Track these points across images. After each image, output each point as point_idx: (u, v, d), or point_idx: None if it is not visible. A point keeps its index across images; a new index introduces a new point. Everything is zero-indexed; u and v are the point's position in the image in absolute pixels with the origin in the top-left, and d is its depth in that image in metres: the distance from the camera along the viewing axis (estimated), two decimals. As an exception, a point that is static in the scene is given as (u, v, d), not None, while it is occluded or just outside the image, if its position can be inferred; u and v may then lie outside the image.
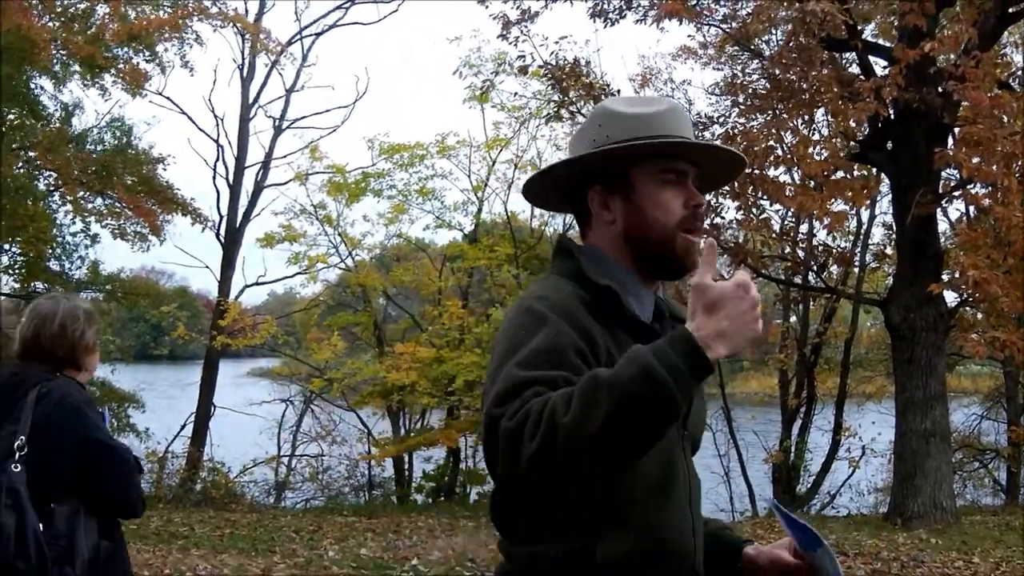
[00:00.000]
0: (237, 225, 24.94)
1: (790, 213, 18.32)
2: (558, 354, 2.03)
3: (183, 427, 23.62)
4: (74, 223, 23.46)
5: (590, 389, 1.88)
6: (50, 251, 23.12)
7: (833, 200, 13.82)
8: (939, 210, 16.17)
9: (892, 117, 14.31)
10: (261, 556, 11.16)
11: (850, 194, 13.76)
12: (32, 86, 21.98)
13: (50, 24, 19.87)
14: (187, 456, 21.95)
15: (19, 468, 3.58)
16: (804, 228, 20.10)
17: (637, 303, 2.28)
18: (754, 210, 15.16)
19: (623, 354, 1.98)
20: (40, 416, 3.69)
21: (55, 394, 3.77)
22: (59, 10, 20.28)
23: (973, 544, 12.39)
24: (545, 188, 2.51)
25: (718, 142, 15.51)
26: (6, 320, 25.52)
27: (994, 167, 12.66)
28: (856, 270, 20.82)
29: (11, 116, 21.80)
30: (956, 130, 14.13)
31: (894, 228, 16.65)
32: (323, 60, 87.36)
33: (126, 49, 21.68)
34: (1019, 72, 18.36)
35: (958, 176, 14.51)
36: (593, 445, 1.88)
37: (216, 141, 25.47)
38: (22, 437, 3.62)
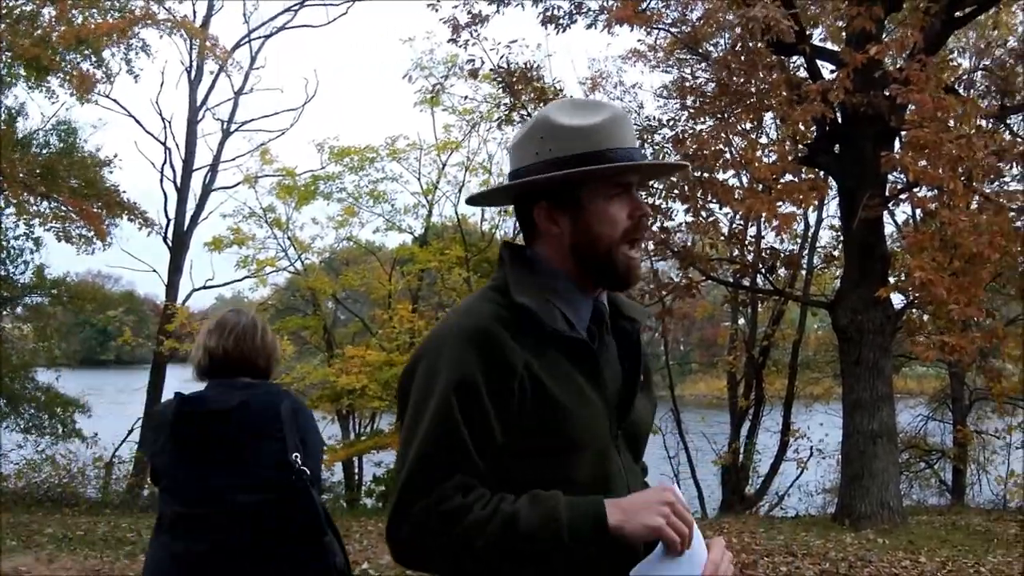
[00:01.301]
0: (185, 228, 24.81)
1: (739, 216, 18.41)
2: (450, 439, 2.18)
3: (130, 432, 23.40)
4: (17, 226, 23.23)
5: (503, 529, 2.11)
6: (-6, 255, 22.88)
7: (781, 203, 13.89)
8: (886, 213, 16.30)
9: (839, 120, 14.42)
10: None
11: (799, 197, 13.83)
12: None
13: (-7, 27, 19.67)
14: (134, 461, 21.78)
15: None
16: (752, 231, 20.24)
17: (572, 313, 2.35)
18: (703, 213, 15.21)
19: (551, 370, 2.24)
20: (302, 428, 3.76)
21: (296, 405, 3.84)
22: (4, 11, 20.06)
23: (920, 544, 12.51)
24: (490, 199, 2.74)
25: (669, 149, 15.62)
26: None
27: (940, 170, 12.77)
28: (804, 273, 20.97)
29: (-46, 120, 21.56)
30: (903, 133, 14.26)
31: (841, 231, 16.78)
32: (272, 62, 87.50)
33: (73, 54, 21.50)
34: (966, 76, 18.57)
35: (905, 179, 14.60)
36: (492, 567, 2.15)
37: (163, 144, 25.36)
38: (296, 454, 3.65)
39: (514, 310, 2.29)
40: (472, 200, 2.68)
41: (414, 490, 2.16)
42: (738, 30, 14.36)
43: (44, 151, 22.81)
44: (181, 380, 34.10)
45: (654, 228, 16.10)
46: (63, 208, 22.20)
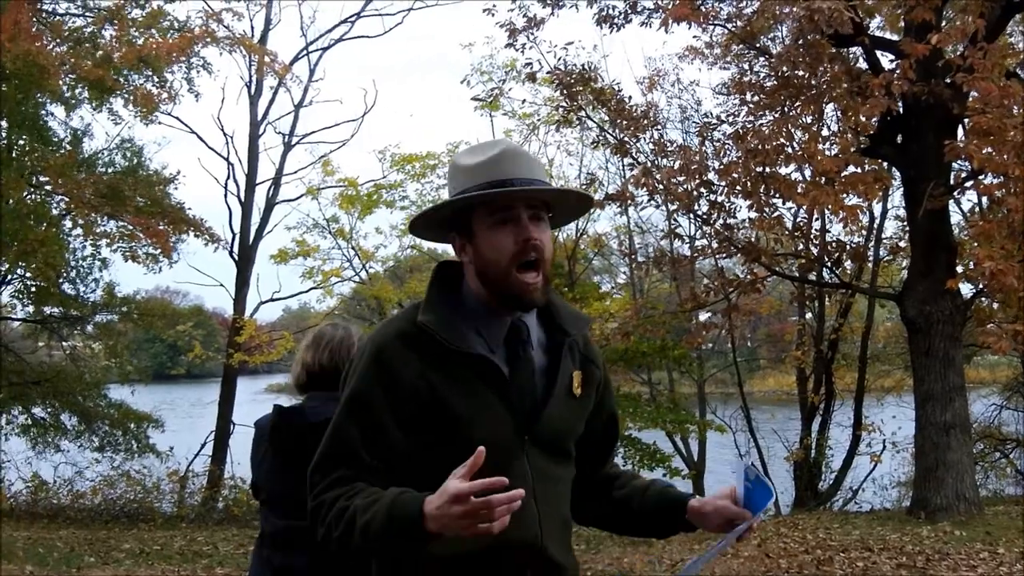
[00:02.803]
0: (250, 242, 25.00)
1: (802, 210, 18.26)
2: (341, 441, 2.59)
3: (203, 446, 23.67)
4: (85, 247, 23.55)
5: (350, 523, 2.46)
6: (63, 275, 23.20)
7: (846, 194, 13.77)
8: (951, 202, 16.12)
9: (901, 111, 14.28)
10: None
11: (863, 188, 13.71)
12: (42, 112, 22.08)
13: (58, 49, 19.95)
14: (208, 475, 22.00)
15: None
16: (817, 225, 20.07)
17: (486, 330, 2.63)
18: (767, 209, 15.12)
19: (450, 381, 2.54)
20: None
21: None
22: (66, 34, 20.34)
23: (997, 535, 12.35)
24: (426, 234, 2.91)
25: (730, 145, 15.53)
26: (19, 345, 25.68)
27: (1005, 157, 12.62)
28: (870, 265, 20.75)
29: (21, 142, 21.88)
30: (966, 121, 14.09)
31: (907, 221, 16.60)
32: (330, 74, 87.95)
33: (135, 75, 21.76)
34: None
35: (969, 167, 14.43)
36: (355, 550, 2.50)
37: (226, 159, 25.59)
38: None
39: (419, 328, 2.58)
40: (412, 230, 2.93)
41: (310, 484, 2.60)
42: (796, 23, 14.28)
43: (109, 171, 23.10)
44: (252, 392, 34.56)
45: (717, 225, 16.05)
46: (129, 227, 22.47)
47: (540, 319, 2.76)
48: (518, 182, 2.57)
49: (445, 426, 2.53)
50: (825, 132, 16.07)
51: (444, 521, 2.30)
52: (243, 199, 25.35)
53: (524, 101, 21.28)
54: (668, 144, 16.96)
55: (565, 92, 17.01)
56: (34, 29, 18.22)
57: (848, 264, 19.12)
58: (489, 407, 2.57)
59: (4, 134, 21.62)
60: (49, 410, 23.53)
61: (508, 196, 2.58)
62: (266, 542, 3.81)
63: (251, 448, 3.99)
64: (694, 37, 19.44)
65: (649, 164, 16.65)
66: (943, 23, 14.16)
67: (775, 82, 15.35)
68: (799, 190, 14.43)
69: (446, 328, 2.57)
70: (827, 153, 14.30)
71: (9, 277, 23.00)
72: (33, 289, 23.21)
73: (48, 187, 21.54)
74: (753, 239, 16.34)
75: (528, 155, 2.71)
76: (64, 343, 26.78)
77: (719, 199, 15.77)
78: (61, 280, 23.36)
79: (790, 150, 14.61)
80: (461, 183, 2.65)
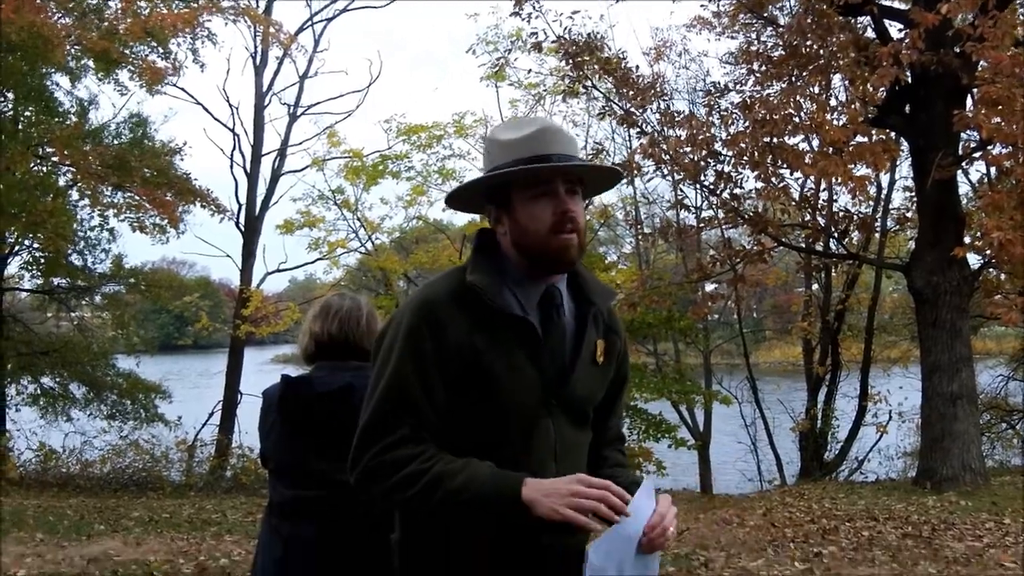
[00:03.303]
0: (256, 213, 25.05)
1: (810, 181, 18.23)
2: (402, 395, 2.58)
3: (211, 415, 23.78)
4: (92, 217, 23.59)
5: (432, 486, 2.49)
6: (72, 246, 23.24)
7: (854, 165, 13.74)
8: (960, 172, 16.08)
9: (910, 80, 14.23)
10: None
11: (871, 158, 13.67)
12: (48, 83, 22.06)
13: (64, 21, 19.91)
14: (216, 444, 22.09)
15: None
16: (824, 195, 20.03)
17: (523, 295, 2.71)
18: (774, 179, 15.09)
19: (491, 343, 2.60)
20: None
21: None
22: (71, 5, 20.29)
23: (1003, 505, 12.36)
24: (462, 204, 2.97)
25: (737, 115, 15.49)
26: (28, 316, 25.75)
27: (1014, 127, 12.57)
28: (877, 235, 20.72)
29: (27, 114, 21.88)
30: (974, 91, 14.05)
31: (915, 192, 16.56)
32: (335, 45, 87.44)
33: (141, 46, 21.73)
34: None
35: (978, 138, 14.38)
36: (426, 512, 2.56)
37: (232, 130, 25.64)
38: None
39: (467, 287, 2.65)
40: (448, 203, 2.97)
41: (368, 440, 2.58)
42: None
43: (116, 142, 23.09)
44: (258, 363, 34.60)
45: (724, 196, 16.02)
46: (136, 198, 22.49)
47: (568, 289, 2.83)
48: (556, 158, 2.66)
49: (481, 386, 2.60)
50: (833, 102, 15.98)
51: (549, 491, 2.46)
52: (249, 170, 25.39)
53: (530, 71, 21.22)
54: (675, 114, 16.92)
55: (571, 62, 16.97)
56: (38, 1, 18.16)
57: (855, 235, 19.08)
58: (522, 369, 2.64)
59: (10, 106, 21.62)
60: (58, 380, 23.62)
61: (549, 171, 2.66)
62: (274, 511, 3.81)
63: (259, 418, 3.99)
64: (701, 6, 19.41)
65: (656, 134, 16.61)
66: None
67: (783, 52, 15.31)
68: (807, 160, 14.40)
69: (492, 289, 2.64)
70: (835, 123, 14.24)
71: (17, 248, 23.04)
72: (42, 260, 23.25)
73: (55, 158, 21.55)
74: (760, 210, 16.32)
75: (564, 131, 2.78)
76: (72, 314, 26.86)
77: (726, 169, 15.74)
78: (69, 251, 23.41)
79: (798, 120, 14.57)
80: (499, 157, 2.71)
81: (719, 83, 17.25)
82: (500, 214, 2.74)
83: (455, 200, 2.92)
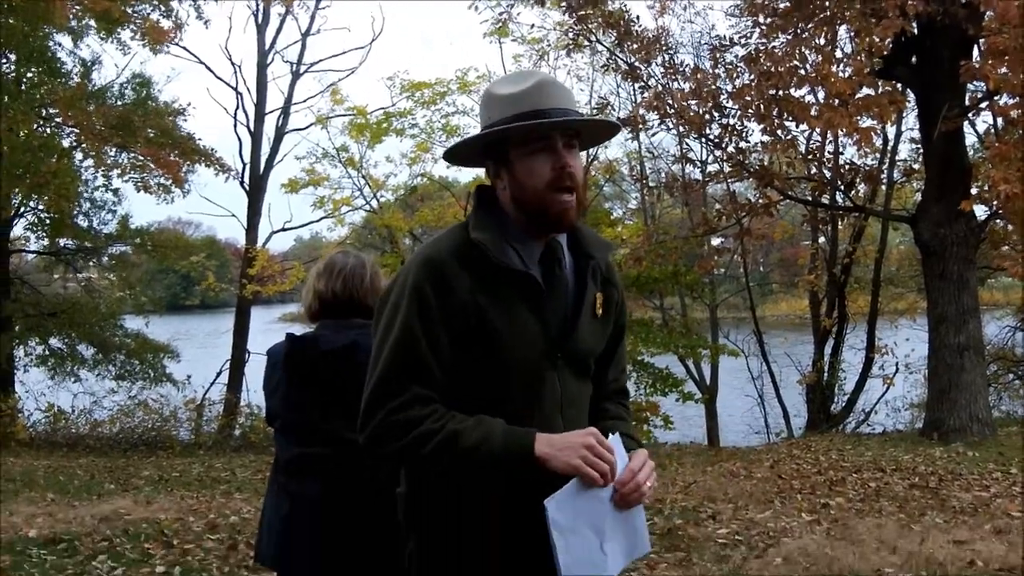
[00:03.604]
0: (260, 172, 25.03)
1: (816, 133, 18.16)
2: (410, 355, 2.57)
3: (219, 374, 23.83)
4: (96, 178, 23.60)
5: (446, 444, 2.50)
6: (77, 208, 23.27)
7: (860, 117, 13.68)
8: (966, 124, 16.01)
9: (916, 32, 14.15)
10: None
11: (877, 110, 13.61)
12: (50, 43, 22.01)
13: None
14: (224, 403, 22.16)
15: None
16: (830, 148, 19.96)
17: (524, 251, 2.71)
18: (779, 132, 15.04)
19: (495, 299, 2.60)
20: None
21: None
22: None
23: (1010, 455, 12.40)
24: (460, 159, 2.97)
25: (743, 68, 15.42)
26: (34, 278, 25.80)
27: (1021, 77, 12.51)
28: (884, 188, 20.67)
29: (30, 74, 21.84)
30: (981, 42, 13.97)
31: (921, 144, 16.50)
32: (337, 1, 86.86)
33: (143, 6, 21.67)
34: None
35: (984, 88, 14.30)
36: (439, 471, 2.57)
37: (235, 89, 25.59)
38: None
39: (470, 244, 2.65)
40: (447, 158, 2.98)
41: (377, 401, 2.57)
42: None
43: (119, 103, 23.05)
44: (265, 322, 34.67)
45: (729, 149, 15.97)
46: (140, 158, 22.48)
47: (567, 243, 2.83)
48: (553, 113, 2.66)
49: (486, 342, 2.61)
50: (839, 54, 15.89)
51: (563, 445, 2.51)
52: (252, 129, 25.35)
53: (533, 26, 21.15)
54: (680, 67, 16.84)
55: (574, 16, 16.88)
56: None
57: (861, 187, 19.04)
58: (526, 324, 2.65)
59: (12, 67, 21.58)
60: (66, 341, 23.69)
61: (548, 127, 2.65)
62: (281, 469, 3.83)
63: (264, 376, 4.00)
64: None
65: (660, 88, 16.54)
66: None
67: (788, 3, 15.20)
68: (812, 113, 14.34)
69: (495, 245, 2.65)
70: (841, 75, 14.18)
71: (22, 210, 23.04)
72: (47, 222, 23.28)
73: (58, 119, 21.53)
74: (766, 163, 16.27)
75: (562, 85, 2.78)
76: (79, 275, 26.91)
77: (731, 123, 15.69)
78: (75, 213, 23.43)
79: (803, 72, 14.50)
80: (497, 112, 2.70)
81: (724, 36, 17.15)
82: (499, 169, 2.73)
83: (454, 156, 2.92)
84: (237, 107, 25.51)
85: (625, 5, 16.98)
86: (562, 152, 2.66)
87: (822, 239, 23.71)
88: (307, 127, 24.74)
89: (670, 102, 15.87)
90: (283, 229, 25.98)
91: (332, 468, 3.60)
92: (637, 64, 16.95)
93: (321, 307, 3.89)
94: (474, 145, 2.80)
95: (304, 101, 25.31)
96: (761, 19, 15.81)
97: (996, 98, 14.21)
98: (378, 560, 3.43)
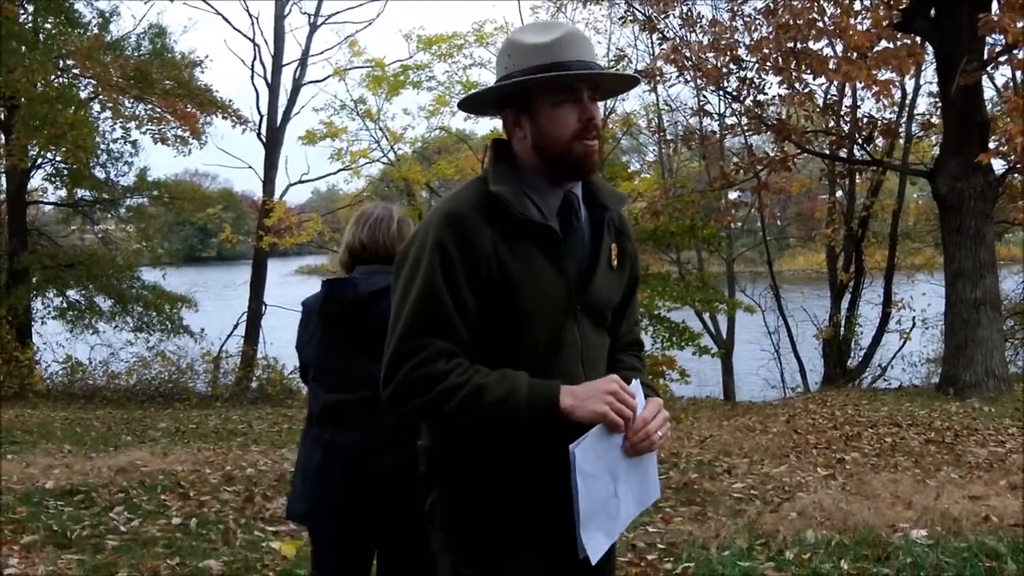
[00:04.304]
0: (278, 124, 24.98)
1: (834, 86, 18.04)
2: (433, 309, 2.57)
3: (235, 327, 23.91)
4: (114, 130, 23.60)
5: (471, 398, 2.51)
6: (95, 159, 23.28)
7: (878, 70, 13.60)
8: (985, 77, 15.89)
9: (935, -17, 14.05)
10: (320, 449, 11.31)
11: (895, 63, 13.53)
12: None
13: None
14: (241, 355, 22.25)
15: None
16: (848, 101, 19.84)
17: (542, 202, 2.73)
18: (797, 85, 14.96)
19: (515, 251, 2.61)
20: None
21: None
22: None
23: (1027, 410, 12.40)
24: (475, 108, 2.99)
25: (762, 21, 15.33)
26: (52, 229, 25.85)
27: (1041, 30, 12.42)
28: (902, 141, 20.55)
29: (47, 25, 21.81)
30: (1000, -7, 13.86)
31: (939, 97, 16.40)
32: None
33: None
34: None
35: (1003, 42, 14.20)
36: (462, 427, 2.60)
37: (252, 40, 25.52)
38: None
39: (490, 198, 2.65)
40: (461, 106, 2.97)
41: (401, 356, 2.56)
42: None
43: (136, 54, 23.03)
44: (282, 274, 34.75)
45: (747, 102, 15.90)
46: (157, 110, 22.48)
47: (582, 195, 2.85)
48: (578, 65, 2.68)
49: (507, 295, 2.62)
50: (857, 6, 15.77)
51: (587, 394, 2.54)
52: (270, 81, 25.31)
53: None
54: (698, 19, 16.75)
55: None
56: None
57: (879, 141, 18.94)
58: (546, 276, 2.66)
59: (30, 17, 21.54)
60: (83, 293, 23.77)
61: (581, 78, 2.68)
62: (315, 421, 3.82)
63: (298, 329, 4.03)
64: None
65: (678, 40, 16.46)
66: None
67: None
68: (831, 66, 14.26)
69: (516, 198, 2.66)
70: (859, 27, 14.09)
71: (40, 161, 23.07)
72: (65, 173, 23.30)
73: (75, 70, 21.52)
74: (783, 116, 16.20)
75: (586, 37, 2.80)
76: (96, 227, 26.97)
77: (749, 75, 15.61)
78: (93, 164, 23.44)
79: (822, 25, 14.42)
80: (522, 61, 2.70)
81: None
82: (519, 117, 2.73)
83: (470, 104, 2.94)
84: (254, 58, 25.71)
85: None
86: (588, 104, 2.68)
87: (839, 193, 23.60)
88: (324, 79, 24.80)
89: (687, 54, 15.81)
90: (300, 181, 26.07)
91: (366, 415, 3.60)
92: (655, 16, 16.86)
93: (351, 258, 3.92)
94: (494, 93, 2.79)
95: (321, 53, 25.30)
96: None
97: (1015, 52, 14.09)
98: (411, 514, 3.41)
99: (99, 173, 24.11)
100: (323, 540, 3.88)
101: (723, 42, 15.53)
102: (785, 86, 15.11)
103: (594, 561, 2.58)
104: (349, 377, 3.69)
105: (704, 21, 16.88)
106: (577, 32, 2.77)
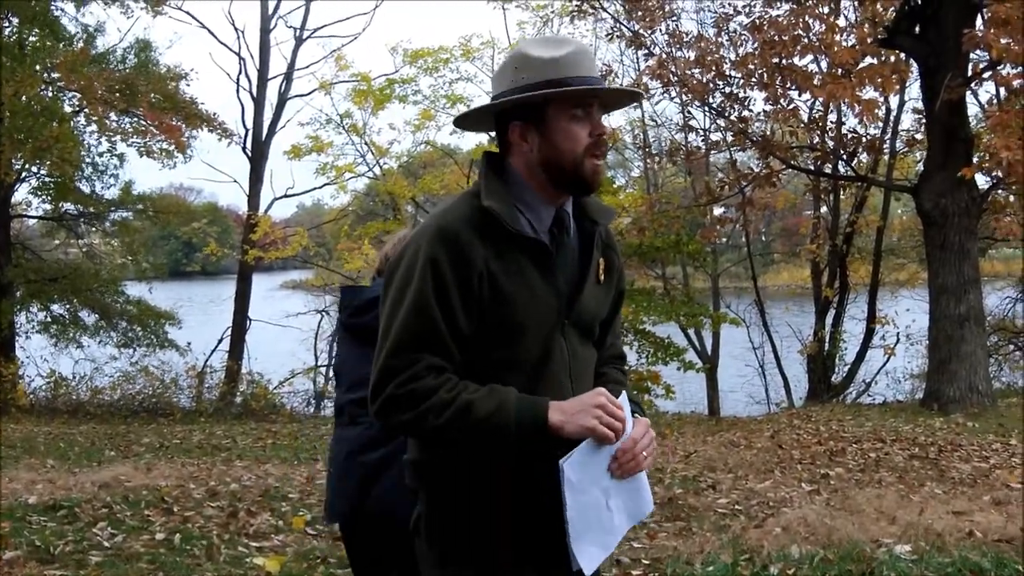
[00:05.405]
0: (263, 138, 24.99)
1: (818, 102, 18.10)
2: (423, 324, 2.57)
3: (220, 341, 23.86)
4: (100, 143, 23.56)
5: (460, 414, 2.50)
6: (80, 172, 23.24)
7: (863, 87, 13.66)
8: (969, 93, 15.96)
9: (919, 1, 14.10)
10: (304, 464, 11.33)
11: (880, 80, 13.59)
12: (52, 7, 21.96)
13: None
14: (226, 370, 22.20)
15: None
16: (833, 117, 19.89)
17: (535, 218, 2.73)
18: (782, 101, 15.01)
19: (507, 266, 2.61)
20: None
21: None
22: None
23: (1010, 426, 12.43)
24: (473, 121, 2.99)
25: (747, 37, 15.39)
26: (36, 243, 25.80)
27: (1024, 47, 12.48)
28: (886, 157, 20.62)
29: (33, 38, 21.78)
30: (984, 11, 13.92)
31: (923, 113, 16.46)
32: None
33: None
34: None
35: (987, 58, 14.28)
36: (448, 443, 2.60)
37: (238, 54, 25.55)
38: None
39: (483, 212, 2.64)
40: (458, 122, 3.00)
41: (390, 370, 2.56)
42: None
43: (121, 67, 23.01)
44: (267, 289, 34.66)
45: (732, 118, 15.94)
46: (143, 123, 22.45)
47: (571, 210, 2.85)
48: (592, 81, 2.70)
49: (498, 310, 2.62)
50: (842, 22, 15.86)
51: (575, 409, 2.54)
52: (255, 94, 25.30)
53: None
54: (684, 35, 16.81)
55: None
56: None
57: (864, 157, 19.00)
58: (537, 291, 2.67)
59: (15, 30, 21.51)
60: (67, 307, 23.68)
61: (597, 92, 2.71)
62: (336, 422, 4.01)
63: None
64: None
65: (664, 56, 16.51)
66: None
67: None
68: (816, 82, 14.32)
69: (509, 213, 2.66)
70: (844, 44, 14.15)
71: (24, 175, 23.01)
72: (51, 186, 23.24)
73: (61, 83, 21.48)
74: (768, 132, 16.25)
75: (592, 55, 2.83)
76: (81, 240, 26.90)
77: (734, 91, 15.66)
78: (78, 177, 23.39)
79: (807, 41, 14.48)
80: (536, 74, 2.70)
81: (729, 5, 17.08)
82: (527, 132, 2.71)
83: (468, 119, 2.97)
84: (240, 72, 25.48)
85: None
86: (599, 120, 2.72)
87: (824, 209, 23.64)
88: (310, 93, 24.86)
89: (673, 70, 15.85)
90: (285, 196, 26.07)
91: (366, 414, 3.67)
92: (641, 32, 16.90)
93: (378, 272, 4.09)
94: (508, 105, 2.75)
95: (307, 67, 25.38)
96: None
97: (999, 68, 14.16)
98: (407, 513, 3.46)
99: (84, 186, 24.05)
100: (344, 536, 4.05)
101: (708, 58, 15.58)
102: (770, 102, 15.16)
103: (588, 573, 2.57)
104: (360, 377, 3.75)
105: (690, 37, 16.95)
106: (586, 48, 2.78)
